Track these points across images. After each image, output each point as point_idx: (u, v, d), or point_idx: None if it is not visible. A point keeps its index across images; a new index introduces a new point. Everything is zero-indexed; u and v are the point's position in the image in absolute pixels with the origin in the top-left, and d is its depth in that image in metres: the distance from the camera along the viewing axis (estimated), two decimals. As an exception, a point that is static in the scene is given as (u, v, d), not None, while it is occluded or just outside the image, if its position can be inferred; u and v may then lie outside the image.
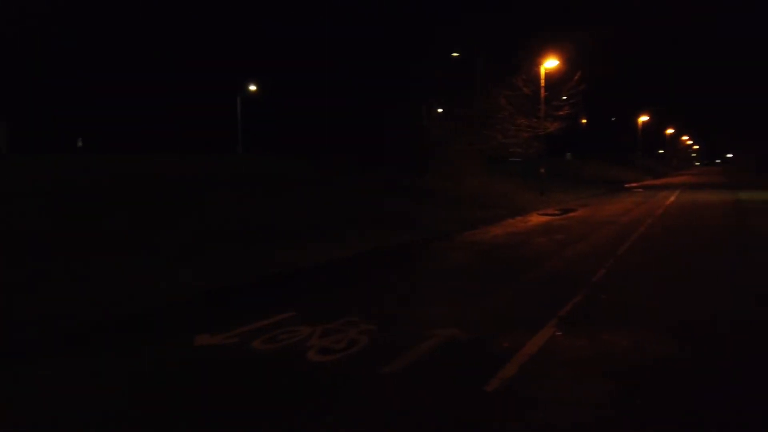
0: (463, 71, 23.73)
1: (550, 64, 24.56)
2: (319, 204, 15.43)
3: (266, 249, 10.26)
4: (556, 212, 20.35)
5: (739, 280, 8.35)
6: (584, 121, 44.55)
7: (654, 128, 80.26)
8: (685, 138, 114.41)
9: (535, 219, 18.09)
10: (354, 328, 6.09)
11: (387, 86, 23.15)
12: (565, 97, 24.55)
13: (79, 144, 29.41)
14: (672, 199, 25.21)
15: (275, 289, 8.34)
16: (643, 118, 65.24)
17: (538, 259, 10.26)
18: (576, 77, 23.21)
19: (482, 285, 8.21)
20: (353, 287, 8.39)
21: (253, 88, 48.70)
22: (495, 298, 7.38)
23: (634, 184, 42.05)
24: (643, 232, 13.79)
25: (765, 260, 9.98)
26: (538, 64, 24.51)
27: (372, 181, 20.43)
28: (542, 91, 24.02)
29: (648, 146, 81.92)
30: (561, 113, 24.03)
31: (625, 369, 4.82)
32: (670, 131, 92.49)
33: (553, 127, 24.21)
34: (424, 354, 5.27)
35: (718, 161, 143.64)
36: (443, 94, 21.98)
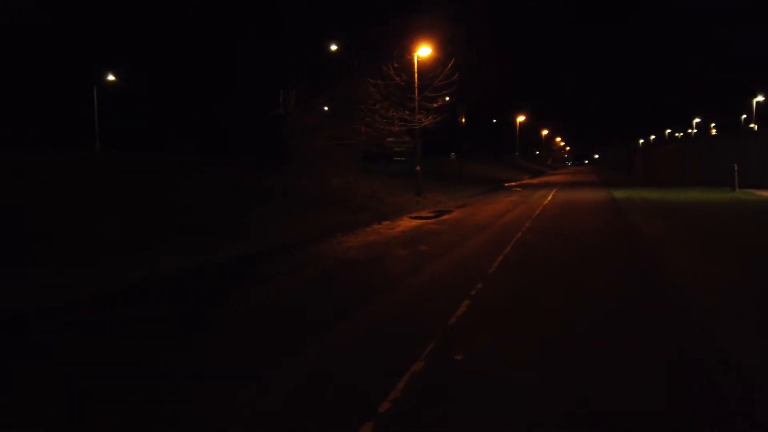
0: (327, 56, 20.83)
1: (424, 52, 22.43)
2: (132, 209, 11.73)
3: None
4: (430, 215, 18.11)
5: (640, 317, 6.11)
6: (463, 120, 43.61)
7: (531, 129, 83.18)
8: (558, 139, 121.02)
9: (405, 224, 15.63)
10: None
11: (236, 69, 19.61)
12: (445, 95, 22.43)
13: None
14: (549, 198, 24.14)
15: None
16: (521, 119, 66.74)
17: (386, 285, 7.54)
18: (450, 64, 21.18)
19: (287, 341, 5.27)
20: (64, 359, 5.07)
21: (111, 77, 42.88)
22: (291, 373, 4.45)
23: (513, 183, 41.80)
24: (520, 239, 11.66)
25: (663, 281, 8.00)
26: (410, 52, 22.26)
27: (214, 178, 16.90)
28: (416, 80, 21.80)
29: (526, 146, 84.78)
30: (436, 105, 21.91)
31: None
32: (545, 132, 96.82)
33: (428, 121, 22.06)
34: None
35: (586, 161, 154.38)
36: (303, 81, 18.91)
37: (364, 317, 6.00)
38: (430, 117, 22.06)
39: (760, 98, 52.53)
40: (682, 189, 26.25)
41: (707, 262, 8.65)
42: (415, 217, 17.34)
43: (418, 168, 23.38)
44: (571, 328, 5.45)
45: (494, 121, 73.25)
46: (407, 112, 21.55)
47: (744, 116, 76.12)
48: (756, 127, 53.29)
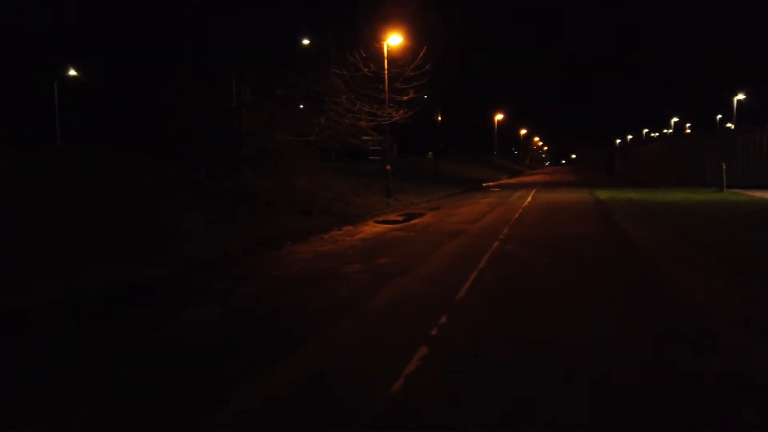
0: (285, 42, 18.92)
1: (394, 40, 20.71)
2: (40, 221, 9.74)
3: None
4: (399, 218, 16.37)
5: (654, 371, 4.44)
6: (439, 118, 42.07)
7: (509, 128, 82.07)
8: (536, 139, 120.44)
9: (368, 229, 13.86)
10: None
11: (188, 59, 17.65)
12: (417, 87, 20.61)
13: None
14: (529, 199, 22.59)
15: None
16: (499, 117, 65.49)
17: (324, 320, 5.75)
18: (422, 53, 19.44)
19: None
20: None
21: (73, 72, 40.38)
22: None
23: (491, 183, 40.36)
24: (498, 249, 9.98)
25: (667, 302, 6.37)
26: (380, 40, 20.52)
27: (158, 178, 14.92)
28: (386, 69, 20.05)
29: (503, 146, 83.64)
30: (407, 98, 20.14)
31: None
32: (523, 131, 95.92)
33: (398, 116, 20.29)
34: None
35: (563, 161, 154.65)
36: (259, 68, 17.01)
37: (285, 373, 4.21)
38: (401, 111, 20.32)
39: (741, 96, 51.95)
40: (667, 189, 24.98)
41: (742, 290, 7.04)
42: (382, 222, 15.58)
43: (388, 167, 21.64)
44: (565, 396, 3.74)
45: (472, 120, 71.93)
46: (376, 106, 19.79)
47: (720, 116, 76.04)
48: (732, 125, 52.75)
